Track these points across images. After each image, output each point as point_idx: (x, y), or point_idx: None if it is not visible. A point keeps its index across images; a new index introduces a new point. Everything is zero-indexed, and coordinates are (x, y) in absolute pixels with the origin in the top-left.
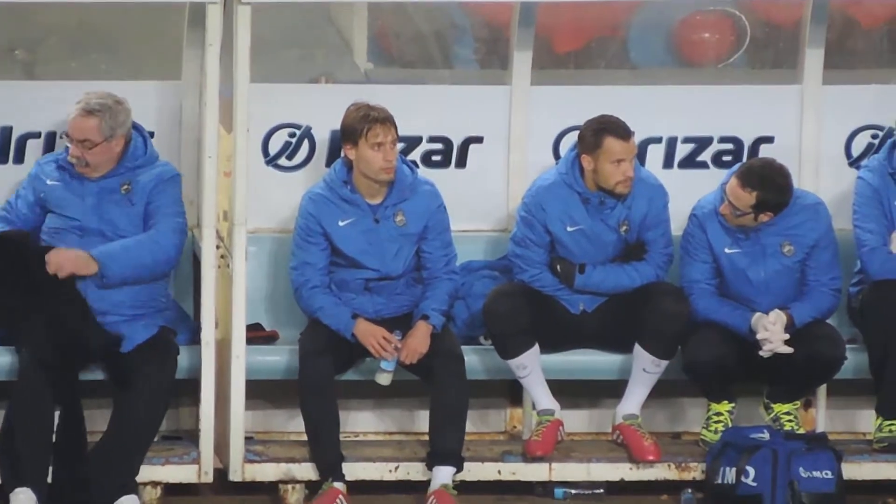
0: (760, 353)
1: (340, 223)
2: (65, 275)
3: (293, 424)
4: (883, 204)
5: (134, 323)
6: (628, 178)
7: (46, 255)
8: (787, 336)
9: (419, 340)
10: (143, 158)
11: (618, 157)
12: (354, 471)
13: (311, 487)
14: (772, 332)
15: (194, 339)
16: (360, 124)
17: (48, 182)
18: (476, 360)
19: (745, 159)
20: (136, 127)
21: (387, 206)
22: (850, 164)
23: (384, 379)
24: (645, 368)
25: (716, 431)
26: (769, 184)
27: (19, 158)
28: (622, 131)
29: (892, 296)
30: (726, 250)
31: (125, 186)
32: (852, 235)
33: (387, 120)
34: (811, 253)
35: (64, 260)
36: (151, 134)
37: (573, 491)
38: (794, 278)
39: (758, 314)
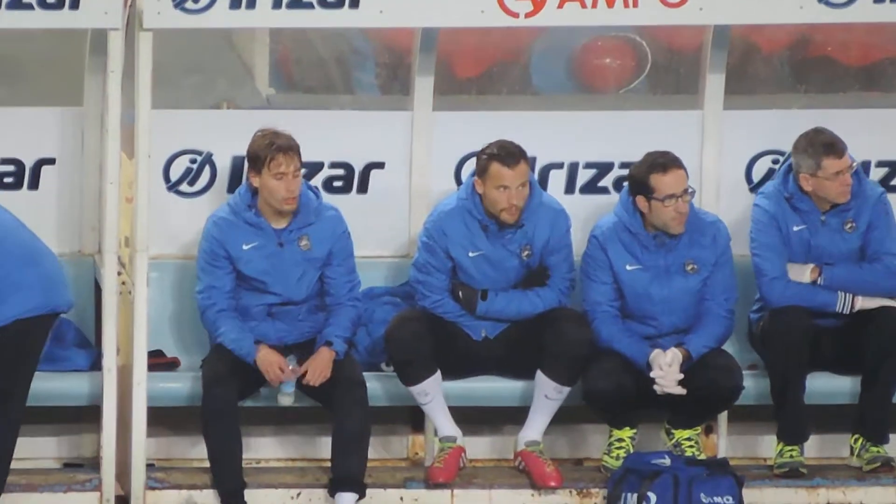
0: (654, 387)
1: (245, 247)
2: None
3: (195, 451)
4: (781, 230)
5: None
6: (513, 206)
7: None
8: (680, 376)
9: (322, 364)
10: None
11: (502, 184)
12: (256, 498)
13: None
14: (666, 372)
15: (95, 365)
16: (264, 153)
17: None
18: (378, 386)
19: None
20: None
21: (291, 231)
22: (751, 190)
23: (286, 400)
24: (547, 395)
25: (617, 457)
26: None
27: None
28: (509, 158)
29: (790, 322)
30: (627, 267)
31: None
32: (751, 262)
33: (290, 149)
34: (710, 271)
35: None
36: (53, 160)
37: None
38: (695, 297)
39: (656, 351)
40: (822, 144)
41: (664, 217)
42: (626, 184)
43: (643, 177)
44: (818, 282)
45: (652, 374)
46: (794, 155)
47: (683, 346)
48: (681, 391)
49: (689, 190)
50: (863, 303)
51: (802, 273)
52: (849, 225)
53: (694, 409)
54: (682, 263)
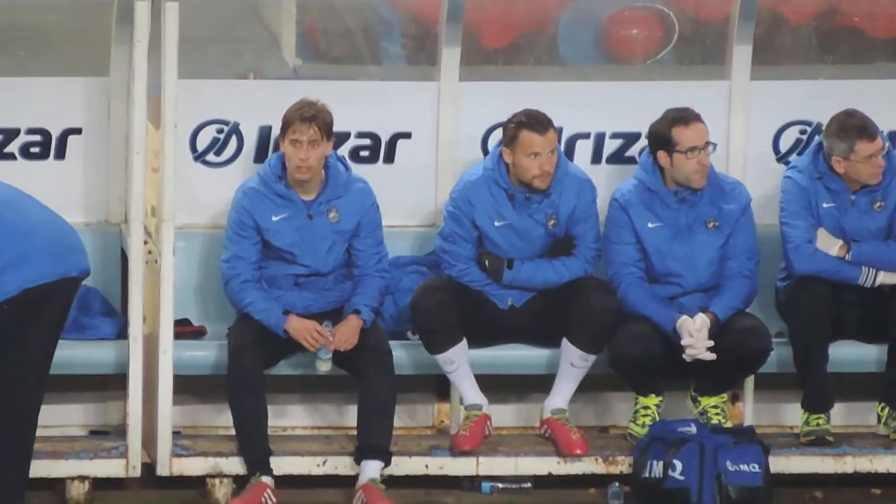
0: (684, 356)
1: (274, 218)
2: None
3: (221, 419)
4: (811, 203)
5: None
6: (545, 173)
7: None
8: (710, 343)
9: (350, 331)
10: None
11: (533, 151)
12: (282, 465)
13: (239, 482)
14: (696, 338)
15: (122, 333)
16: (288, 118)
17: None
18: (404, 354)
19: None
20: None
21: (320, 203)
22: (778, 160)
23: (325, 366)
24: (573, 363)
25: (643, 425)
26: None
27: None
28: (538, 125)
29: (814, 291)
30: (649, 225)
31: None
32: (778, 231)
33: (311, 119)
34: (732, 231)
35: None
36: (79, 130)
37: (501, 485)
38: (717, 254)
39: (683, 317)
40: (854, 128)
41: (687, 170)
42: (646, 144)
43: (665, 131)
44: (846, 258)
45: (682, 342)
46: (825, 138)
47: (710, 310)
48: (711, 356)
49: (711, 143)
50: (884, 278)
51: (832, 246)
52: (878, 204)
53: (722, 374)
54: (704, 220)
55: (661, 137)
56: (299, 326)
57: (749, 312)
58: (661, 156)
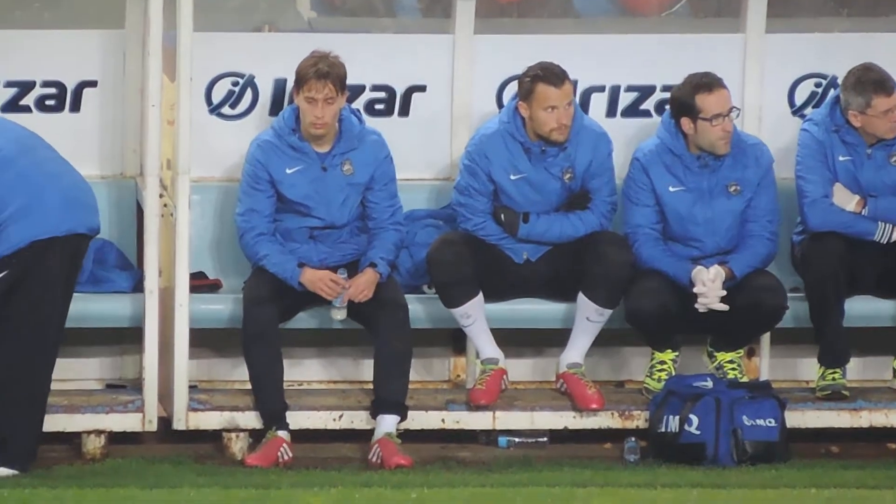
0: (696, 305)
1: (288, 171)
2: None
3: (237, 373)
4: (827, 157)
5: None
6: (562, 125)
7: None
8: (723, 293)
9: (365, 283)
10: None
11: (550, 104)
12: (298, 419)
13: (255, 436)
14: (709, 288)
15: (138, 287)
16: (303, 74)
17: None
18: (420, 308)
19: None
20: None
21: (334, 155)
22: (793, 113)
23: (339, 315)
24: (588, 317)
25: (659, 380)
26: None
27: None
28: (554, 78)
29: (830, 246)
30: (670, 189)
31: None
32: (794, 185)
33: (325, 77)
34: (754, 194)
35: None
36: (94, 83)
37: (517, 439)
38: (738, 218)
39: (698, 268)
40: (871, 83)
41: (711, 137)
42: (668, 106)
43: (688, 97)
44: (862, 213)
45: (695, 290)
46: (842, 92)
47: (727, 264)
48: (723, 307)
49: (735, 108)
50: None
51: (849, 201)
52: (894, 158)
53: (737, 330)
54: (726, 185)
55: (683, 104)
56: (313, 277)
57: (766, 270)
58: (685, 122)
